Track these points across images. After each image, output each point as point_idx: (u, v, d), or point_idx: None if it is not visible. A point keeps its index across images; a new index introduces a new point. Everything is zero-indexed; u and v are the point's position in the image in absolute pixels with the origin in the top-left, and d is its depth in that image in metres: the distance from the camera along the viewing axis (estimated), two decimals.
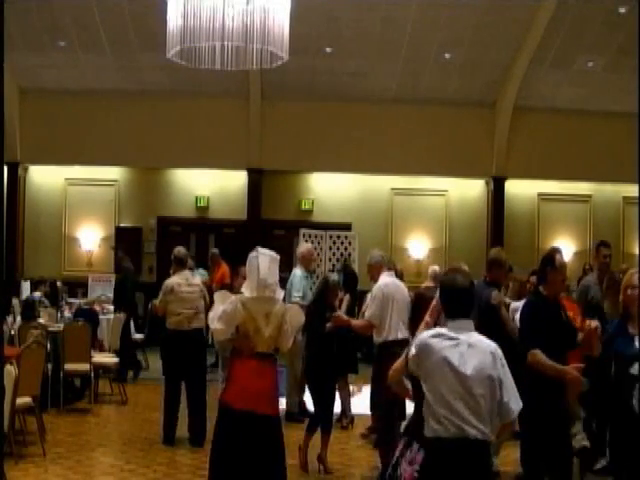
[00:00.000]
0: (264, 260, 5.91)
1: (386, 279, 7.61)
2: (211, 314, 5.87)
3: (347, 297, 9.37)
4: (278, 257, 6.09)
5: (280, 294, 6.06)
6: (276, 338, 5.89)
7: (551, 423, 5.48)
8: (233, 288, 6.38)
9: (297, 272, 9.63)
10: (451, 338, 3.97)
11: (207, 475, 6.11)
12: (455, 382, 3.90)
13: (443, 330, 4.02)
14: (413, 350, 4.04)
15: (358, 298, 11.71)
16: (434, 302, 4.50)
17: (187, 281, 8.66)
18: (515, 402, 4.02)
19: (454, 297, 4.04)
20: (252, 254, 5.99)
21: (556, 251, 5.84)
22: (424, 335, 4.05)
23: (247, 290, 5.88)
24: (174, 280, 8.66)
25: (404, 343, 7.40)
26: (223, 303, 5.83)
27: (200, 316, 8.57)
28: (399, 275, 9.51)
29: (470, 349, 3.94)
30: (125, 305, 12.43)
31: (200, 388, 8.63)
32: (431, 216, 17.24)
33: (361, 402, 9.69)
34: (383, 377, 7.37)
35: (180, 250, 8.85)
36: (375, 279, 7.72)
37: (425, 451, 4.07)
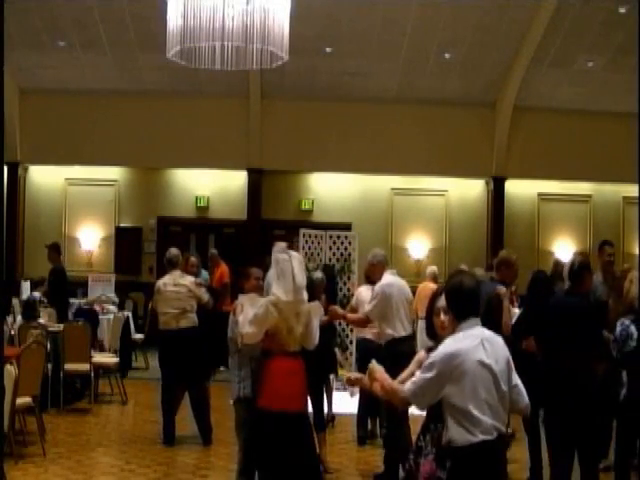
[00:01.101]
0: (297, 263, 5.94)
1: (389, 278, 7.68)
2: (241, 318, 5.76)
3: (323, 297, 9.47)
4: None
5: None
6: (304, 336, 5.92)
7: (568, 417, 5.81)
8: (243, 290, 6.31)
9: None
10: (473, 338, 3.99)
11: (208, 475, 6.08)
12: (490, 381, 3.91)
13: (460, 334, 4.01)
14: (436, 366, 3.94)
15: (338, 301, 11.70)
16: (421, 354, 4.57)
17: (174, 281, 8.75)
18: (522, 385, 4.12)
19: (464, 298, 4.07)
20: (282, 256, 5.93)
21: (587, 256, 6.36)
22: (450, 343, 4.00)
23: (281, 293, 5.79)
24: (162, 280, 8.87)
25: (409, 339, 7.64)
26: (252, 306, 5.77)
27: (188, 315, 8.68)
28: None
29: (488, 344, 3.99)
30: (61, 302, 12.08)
31: (198, 387, 8.69)
32: (431, 216, 17.24)
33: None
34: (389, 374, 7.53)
35: (171, 251, 9.02)
36: (378, 278, 7.77)
37: (460, 457, 3.96)
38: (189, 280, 8.88)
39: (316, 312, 6.09)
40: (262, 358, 5.87)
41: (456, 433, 3.88)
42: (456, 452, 3.91)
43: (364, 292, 8.94)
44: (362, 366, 8.48)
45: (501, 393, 3.93)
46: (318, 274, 8.58)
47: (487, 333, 4.05)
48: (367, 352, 8.36)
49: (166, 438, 8.49)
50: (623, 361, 6.00)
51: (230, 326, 6.04)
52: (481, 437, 3.84)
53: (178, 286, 8.73)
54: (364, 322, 7.80)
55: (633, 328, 5.87)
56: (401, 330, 7.52)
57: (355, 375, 4.50)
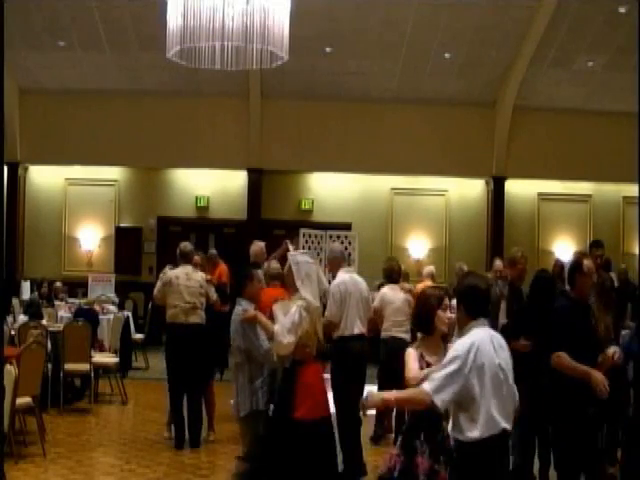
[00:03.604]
0: (318, 268, 5.88)
1: (343, 276, 7.54)
2: (277, 327, 5.52)
3: None
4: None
5: None
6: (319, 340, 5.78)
7: (579, 426, 5.57)
8: (243, 293, 6.09)
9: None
10: (484, 336, 4.11)
11: (208, 475, 6.04)
12: (500, 378, 4.03)
13: (473, 332, 4.12)
14: (459, 360, 4.01)
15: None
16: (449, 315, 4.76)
17: (187, 275, 8.57)
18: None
19: (479, 298, 4.22)
20: (303, 258, 5.79)
21: (584, 256, 6.02)
22: (467, 340, 4.09)
23: (310, 297, 5.64)
24: (174, 272, 8.61)
25: (360, 338, 7.47)
26: (286, 314, 5.57)
27: (198, 312, 8.52)
28: (402, 276, 9.53)
29: (497, 342, 4.13)
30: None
31: (197, 388, 8.56)
32: (431, 216, 17.24)
33: None
34: (333, 372, 7.36)
35: (187, 245, 8.82)
36: (334, 275, 7.68)
37: (469, 452, 4.04)
38: (201, 276, 8.71)
39: (320, 314, 5.96)
40: (293, 367, 5.59)
41: (467, 428, 3.98)
42: (465, 447, 4.00)
43: (389, 293, 8.90)
44: (388, 366, 8.51)
45: (509, 390, 4.06)
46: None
47: (494, 332, 4.21)
48: (395, 350, 8.27)
49: (178, 441, 8.31)
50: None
51: (242, 335, 5.75)
52: (490, 432, 3.96)
53: (191, 280, 8.53)
54: (330, 326, 7.30)
55: None
56: (353, 328, 7.38)
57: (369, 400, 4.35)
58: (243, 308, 5.85)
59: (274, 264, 7.68)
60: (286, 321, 5.50)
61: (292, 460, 5.45)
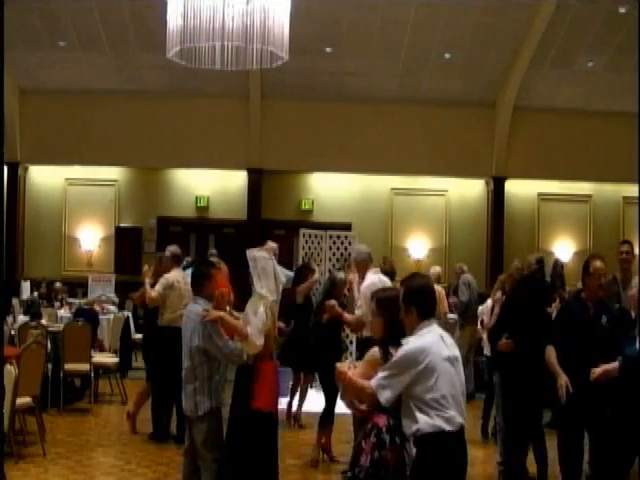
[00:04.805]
0: (275, 263, 5.92)
1: (372, 277, 7.61)
2: (251, 329, 5.57)
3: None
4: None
5: None
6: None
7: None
8: (202, 292, 6.08)
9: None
10: (434, 334, 4.19)
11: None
12: (453, 375, 4.12)
13: (424, 331, 4.18)
14: (405, 362, 4.08)
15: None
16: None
17: (184, 279, 8.57)
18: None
19: (429, 298, 4.29)
20: (260, 254, 5.87)
21: (593, 258, 6.20)
22: (415, 340, 4.15)
23: (266, 292, 5.73)
24: (174, 276, 8.64)
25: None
26: (255, 314, 5.63)
27: None
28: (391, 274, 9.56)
29: (447, 340, 4.21)
30: None
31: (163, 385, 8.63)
32: (431, 216, 17.24)
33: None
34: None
35: (177, 248, 8.90)
36: (362, 277, 7.73)
37: (428, 446, 4.07)
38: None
39: (276, 310, 6.00)
40: (253, 361, 5.70)
41: (424, 423, 4.04)
42: (424, 440, 4.05)
43: None
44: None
45: (461, 386, 4.16)
46: (341, 274, 8.68)
47: (442, 330, 4.27)
48: None
49: (162, 437, 8.50)
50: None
51: (202, 335, 5.64)
52: (448, 428, 4.03)
53: (187, 284, 8.27)
54: (360, 325, 7.53)
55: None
56: None
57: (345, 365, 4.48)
58: (204, 308, 5.75)
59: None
60: (257, 322, 5.56)
61: (254, 448, 5.60)
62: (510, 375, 6.90)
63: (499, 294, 8.30)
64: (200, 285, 5.89)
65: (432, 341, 4.12)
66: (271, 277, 5.78)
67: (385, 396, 4.10)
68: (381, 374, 4.14)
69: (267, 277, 5.75)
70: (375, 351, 4.46)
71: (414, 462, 4.14)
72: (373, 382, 4.12)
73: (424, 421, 4.03)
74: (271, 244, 9.07)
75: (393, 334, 4.32)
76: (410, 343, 4.14)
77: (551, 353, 5.99)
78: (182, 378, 5.81)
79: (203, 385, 5.70)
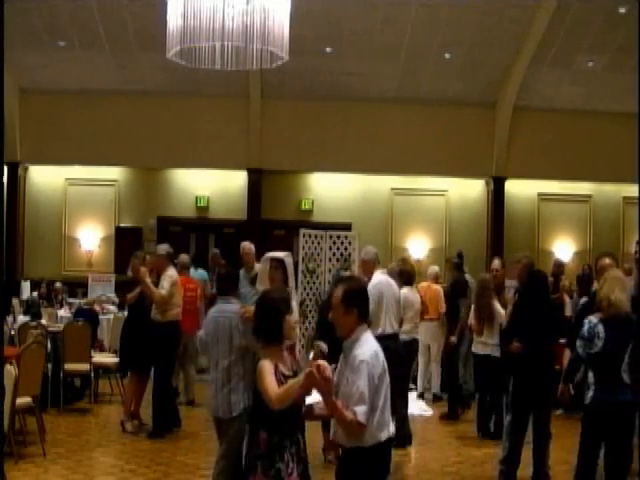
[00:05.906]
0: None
1: (379, 277, 7.80)
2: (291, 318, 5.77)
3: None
4: None
5: None
6: None
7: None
8: (233, 292, 6.38)
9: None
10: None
11: (208, 475, 6.03)
12: (387, 382, 4.05)
13: (368, 334, 4.10)
14: (369, 367, 3.96)
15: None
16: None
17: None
18: None
19: (367, 301, 4.17)
20: (279, 255, 6.23)
21: (601, 256, 6.33)
22: (368, 342, 4.07)
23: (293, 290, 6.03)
24: (175, 273, 9.10)
25: (394, 337, 7.80)
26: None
27: None
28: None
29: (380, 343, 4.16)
30: None
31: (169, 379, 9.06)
32: (431, 216, 17.23)
33: None
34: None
35: (170, 247, 9.36)
36: (368, 276, 7.84)
37: (367, 457, 4.01)
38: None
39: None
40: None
41: (368, 434, 3.94)
42: (364, 452, 3.96)
43: (410, 295, 9.00)
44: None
45: (389, 395, 4.05)
46: (347, 273, 8.75)
47: (369, 333, 4.15)
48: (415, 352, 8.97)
49: (160, 430, 8.71)
50: (589, 361, 5.75)
51: (243, 332, 5.73)
52: (386, 435, 4.00)
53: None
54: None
55: (601, 327, 5.64)
56: (389, 328, 7.72)
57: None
58: (241, 306, 5.94)
59: (185, 256, 10.68)
60: (295, 315, 5.75)
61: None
62: (520, 376, 6.99)
63: (511, 295, 8.31)
64: (233, 285, 6.19)
65: (378, 347, 4.06)
66: (265, 279, 6.19)
67: (370, 413, 3.95)
68: (361, 407, 3.90)
69: (262, 280, 6.11)
70: (265, 364, 4.16)
71: (341, 473, 4.09)
72: (361, 418, 3.88)
73: (369, 432, 3.96)
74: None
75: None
76: (367, 346, 4.02)
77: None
78: (213, 380, 5.84)
79: (238, 385, 5.73)
